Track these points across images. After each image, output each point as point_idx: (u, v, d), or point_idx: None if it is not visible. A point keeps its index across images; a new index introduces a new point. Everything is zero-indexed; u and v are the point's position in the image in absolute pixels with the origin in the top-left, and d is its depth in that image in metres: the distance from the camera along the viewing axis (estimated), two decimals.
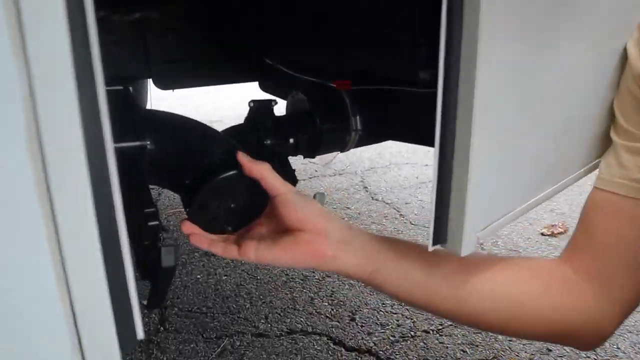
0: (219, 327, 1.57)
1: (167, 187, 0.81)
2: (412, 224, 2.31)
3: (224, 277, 1.85)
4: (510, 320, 0.70)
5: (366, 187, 2.74)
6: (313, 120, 0.97)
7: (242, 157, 0.72)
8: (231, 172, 0.75)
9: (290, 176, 0.88)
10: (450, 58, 0.55)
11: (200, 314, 1.63)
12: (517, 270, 0.71)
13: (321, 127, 0.96)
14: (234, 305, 1.68)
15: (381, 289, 0.70)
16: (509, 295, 0.69)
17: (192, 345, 1.48)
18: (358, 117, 0.99)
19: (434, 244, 0.65)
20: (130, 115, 0.79)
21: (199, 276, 1.85)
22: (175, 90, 1.57)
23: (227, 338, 1.52)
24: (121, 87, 0.81)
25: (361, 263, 0.66)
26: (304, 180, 2.77)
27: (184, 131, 0.82)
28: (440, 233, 0.66)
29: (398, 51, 0.82)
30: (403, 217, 2.38)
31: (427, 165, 3.07)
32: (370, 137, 1.03)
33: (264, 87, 1.59)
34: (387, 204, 2.53)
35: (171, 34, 1.40)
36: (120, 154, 0.77)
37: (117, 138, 0.73)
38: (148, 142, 0.76)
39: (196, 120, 0.84)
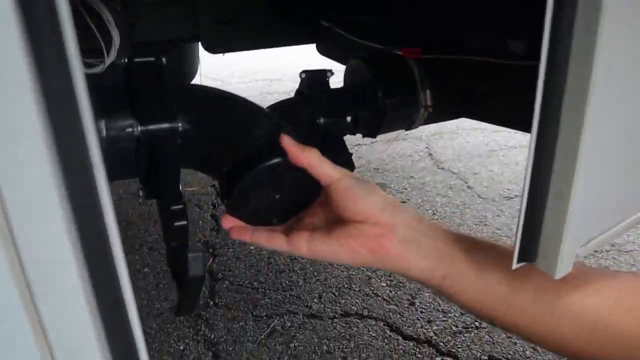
0: (270, 305, 1.49)
1: (204, 173, 0.71)
2: (481, 197, 2.14)
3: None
4: (617, 355, 0.56)
5: (431, 154, 2.57)
6: (375, 93, 0.82)
7: (287, 143, 0.61)
8: (275, 160, 0.63)
9: (346, 160, 0.76)
10: (561, 22, 0.39)
11: (252, 289, 1.57)
12: (632, 292, 0.56)
13: (385, 102, 0.82)
14: (287, 282, 1.60)
15: (452, 299, 0.60)
16: (619, 324, 0.54)
17: (241, 324, 1.42)
18: (428, 91, 0.84)
19: (519, 261, 0.52)
20: (161, 92, 0.68)
21: (252, 248, 1.77)
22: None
23: (277, 317, 1.44)
24: (152, 59, 0.70)
25: (431, 267, 0.57)
26: (364, 145, 2.63)
27: (224, 110, 0.70)
28: (529, 247, 0.52)
29: (482, 14, 0.65)
30: (471, 189, 2.21)
31: (498, 131, 2.84)
32: (442, 114, 0.88)
33: (321, 50, 1.45)
34: (453, 173, 2.36)
35: None
36: (147, 137, 0.67)
37: (144, 119, 0.62)
38: (180, 124, 0.66)
39: (238, 97, 0.72)
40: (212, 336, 1.37)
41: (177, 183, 0.61)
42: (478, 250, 0.59)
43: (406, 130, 0.89)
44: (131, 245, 1.79)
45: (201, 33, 1.31)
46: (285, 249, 0.63)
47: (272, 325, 1.41)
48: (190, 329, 1.40)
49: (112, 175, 0.72)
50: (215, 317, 1.44)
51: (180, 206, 0.58)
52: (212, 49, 1.34)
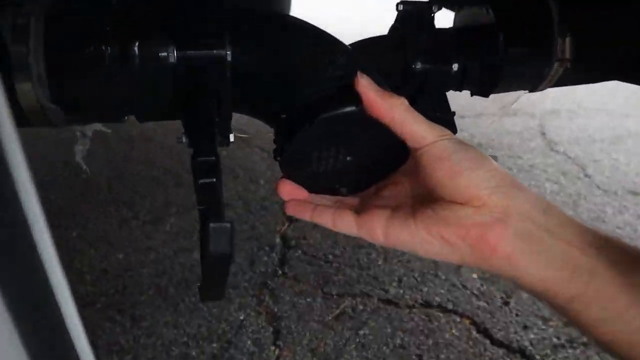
0: (343, 283, 1.34)
1: (257, 118, 0.56)
2: (600, 189, 1.83)
3: None
4: None
5: (544, 134, 2.26)
6: (494, 38, 0.62)
7: (365, 86, 0.44)
8: (347, 108, 0.47)
9: (446, 121, 0.57)
10: None
11: (325, 262, 1.42)
12: None
13: (506, 50, 0.61)
14: (365, 259, 1.44)
15: (583, 329, 0.43)
16: None
17: (308, 300, 1.28)
18: (568, 39, 0.61)
19: None
20: (208, 10, 0.52)
21: None
22: None
23: (349, 298, 1.29)
24: None
25: (555, 280, 0.41)
26: (468, 117, 2.37)
27: (288, 40, 0.54)
28: None
29: None
30: (589, 178, 1.90)
31: (628, 115, 2.45)
32: (586, 73, 0.66)
33: None
34: (569, 157, 2.05)
35: None
36: (186, 66, 0.53)
37: (184, 43, 0.47)
38: (229, 52, 0.50)
39: (309, 24, 0.55)
40: (276, 309, 1.25)
41: (211, 127, 0.46)
42: (634, 264, 0.39)
43: (531, 91, 0.68)
44: None
45: None
46: (355, 234, 0.48)
47: (342, 306, 1.26)
48: (253, 297, 1.29)
49: (148, 112, 0.59)
50: (281, 289, 1.32)
51: (211, 158, 0.43)
52: None
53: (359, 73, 0.44)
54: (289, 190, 0.52)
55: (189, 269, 1.37)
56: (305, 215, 0.51)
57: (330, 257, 1.44)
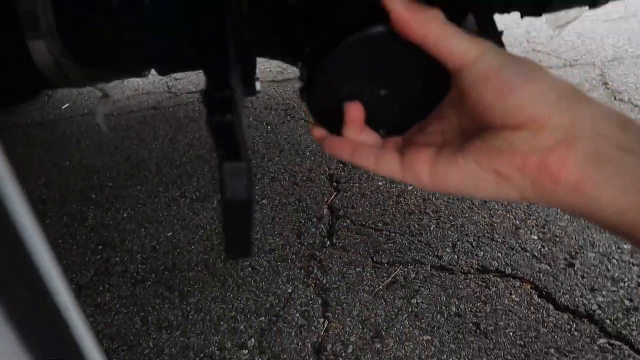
0: (394, 251, 1.29)
1: (275, 57, 0.51)
2: None
3: (410, 188, 1.54)
4: None
5: (607, 84, 2.10)
6: None
7: (391, 1, 0.38)
8: (375, 29, 0.42)
9: (494, 41, 0.50)
10: None
11: (375, 230, 1.37)
12: None
13: None
14: (417, 225, 1.37)
15: None
16: None
17: (358, 270, 1.24)
18: None
19: None
20: None
21: (380, 183, 1.57)
22: None
23: (401, 267, 1.23)
24: None
25: (637, 206, 0.33)
26: None
27: None
28: None
29: None
30: None
31: None
32: None
33: None
34: (635, 106, 1.90)
35: None
36: (198, 1, 0.48)
37: None
38: None
39: None
40: (325, 281, 1.21)
41: (225, 55, 0.41)
42: None
43: (591, 7, 0.59)
44: (253, 175, 1.69)
45: None
46: (399, 177, 0.42)
47: (393, 275, 1.21)
48: (302, 270, 1.25)
49: (168, 63, 0.55)
50: (330, 260, 1.28)
51: (225, 92, 0.39)
52: None
53: None
54: (322, 131, 0.47)
55: None
56: (345, 154, 0.45)
57: (380, 225, 1.39)
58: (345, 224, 1.40)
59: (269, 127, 1.96)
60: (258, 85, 0.53)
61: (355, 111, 0.43)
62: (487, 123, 0.37)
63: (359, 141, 0.45)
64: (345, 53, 0.41)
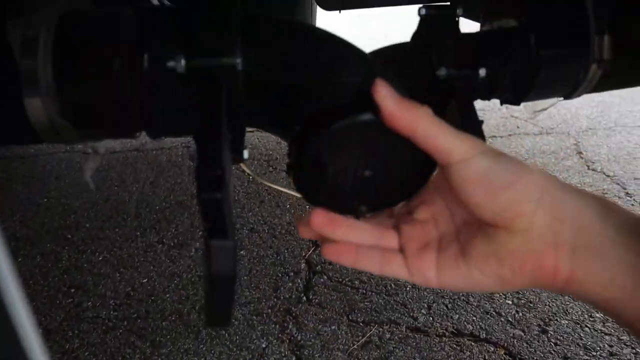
0: (370, 310, 1.29)
1: (269, 132, 0.53)
2: None
3: None
4: None
5: (581, 153, 2.17)
6: (525, 40, 0.58)
7: (383, 94, 0.40)
8: (364, 117, 0.43)
9: (473, 130, 0.52)
10: None
11: (352, 288, 1.37)
12: None
13: (538, 54, 0.57)
14: (393, 285, 1.38)
15: None
16: None
17: (333, 327, 1.23)
18: (606, 38, 0.57)
19: None
20: (221, 17, 0.50)
21: None
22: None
23: (376, 326, 1.23)
24: None
25: (620, 293, 0.36)
26: (499, 137, 2.30)
27: (303, 46, 0.51)
28: None
29: None
30: (630, 197, 1.81)
31: None
32: (626, 75, 0.61)
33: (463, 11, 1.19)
34: (607, 176, 1.96)
35: None
36: (196, 75, 0.50)
37: (193, 50, 0.45)
38: (240, 61, 0.47)
39: (326, 31, 0.52)
40: (299, 337, 1.20)
41: (217, 136, 0.42)
42: None
43: (566, 97, 0.63)
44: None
45: None
46: (407, 279, 0.43)
47: (368, 335, 1.20)
48: (276, 325, 1.24)
49: (160, 128, 0.57)
50: (306, 316, 1.27)
51: (216, 170, 0.40)
52: (326, 4, 1.15)
53: (377, 79, 0.40)
54: (324, 217, 0.43)
55: None
56: (347, 260, 0.43)
57: (357, 282, 1.39)
58: (322, 280, 1.40)
59: (250, 177, 1.97)
60: (246, 153, 0.55)
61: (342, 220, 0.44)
62: (476, 216, 0.39)
63: (355, 241, 0.43)
64: (334, 136, 0.43)
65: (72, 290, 1.38)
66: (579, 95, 0.62)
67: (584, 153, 2.17)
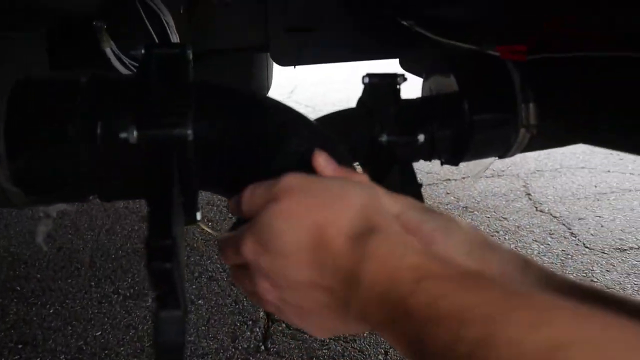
0: (328, 358, 1.29)
1: (221, 195, 0.55)
2: (587, 247, 1.82)
3: None
4: None
5: (529, 195, 2.27)
6: (460, 107, 0.62)
7: (321, 163, 0.43)
8: None
9: (413, 193, 0.56)
10: None
11: (310, 336, 1.37)
12: None
13: (472, 119, 0.62)
14: None
15: None
16: None
17: None
18: (532, 106, 0.62)
19: None
20: (174, 90, 0.52)
21: None
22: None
23: None
24: (175, 50, 0.55)
25: None
26: (453, 180, 2.38)
27: (251, 116, 0.53)
28: None
29: None
30: (575, 237, 1.89)
31: (609, 171, 2.48)
32: (551, 138, 0.66)
33: (405, 65, 1.26)
34: (554, 217, 2.05)
35: None
36: (148, 145, 0.52)
37: (145, 122, 0.46)
38: (190, 132, 0.50)
39: (274, 100, 0.55)
40: None
41: (166, 208, 0.44)
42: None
43: (500, 157, 0.68)
44: (190, 273, 1.67)
45: (271, 42, 1.17)
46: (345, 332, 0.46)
47: None
48: None
49: (112, 192, 0.58)
50: None
51: (165, 241, 0.42)
52: (281, 60, 1.20)
53: (316, 150, 0.43)
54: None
55: None
56: None
57: None
58: (280, 328, 1.40)
59: (210, 224, 1.97)
60: (199, 215, 0.56)
61: None
62: None
63: None
64: None
65: (20, 346, 1.34)
66: (512, 155, 0.67)
67: (533, 195, 2.27)
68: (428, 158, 0.63)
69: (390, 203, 0.42)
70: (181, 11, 1.11)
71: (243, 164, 0.51)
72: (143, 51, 0.54)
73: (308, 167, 0.45)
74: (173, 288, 0.41)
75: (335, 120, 0.61)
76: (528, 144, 0.64)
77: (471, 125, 0.61)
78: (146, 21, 1.07)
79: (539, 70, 0.62)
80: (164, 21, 1.08)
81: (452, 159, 0.65)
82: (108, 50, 1.10)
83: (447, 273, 0.30)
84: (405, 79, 0.62)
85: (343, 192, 0.37)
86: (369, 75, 0.62)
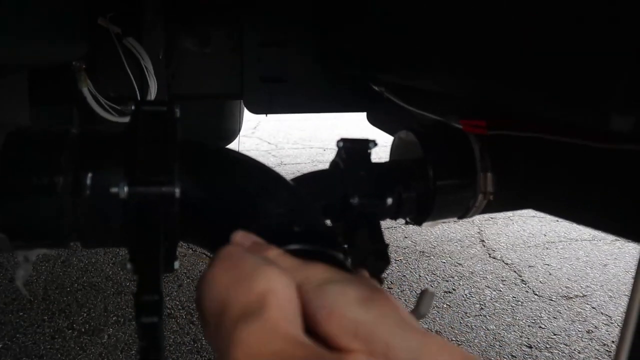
0: None
1: (200, 247, 0.58)
2: (536, 295, 1.91)
3: None
4: None
5: (483, 241, 2.36)
6: (425, 172, 0.68)
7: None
8: (295, 247, 0.48)
9: (380, 251, 0.61)
10: None
11: None
12: None
13: (436, 184, 0.68)
14: None
15: None
16: None
17: None
18: (490, 175, 0.69)
19: None
20: (162, 148, 0.56)
21: None
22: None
23: None
24: (163, 108, 0.58)
25: None
26: (405, 225, 2.45)
27: (234, 177, 0.57)
28: None
29: (573, 77, 0.50)
30: (525, 284, 1.98)
31: (557, 221, 2.62)
32: (505, 203, 0.73)
33: (372, 120, 1.33)
34: (506, 264, 2.14)
35: (271, 47, 1.20)
36: (136, 202, 0.55)
37: (135, 179, 0.49)
38: (177, 190, 0.53)
39: (257, 162, 0.59)
40: None
41: (157, 265, 0.47)
42: None
43: (459, 218, 0.73)
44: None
45: (245, 91, 1.22)
46: None
47: None
48: None
49: (95, 240, 0.60)
50: None
51: (154, 297, 0.44)
52: (254, 108, 1.25)
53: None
54: None
55: None
56: None
57: None
58: None
59: None
60: (176, 264, 0.59)
61: None
62: None
63: None
64: None
65: None
66: (470, 217, 0.73)
67: (486, 241, 2.36)
68: (394, 217, 0.68)
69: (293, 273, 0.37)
70: (160, 57, 1.15)
71: (223, 221, 0.55)
72: (133, 107, 0.58)
73: (297, 231, 0.49)
74: (159, 340, 0.43)
75: (311, 181, 0.66)
76: (485, 208, 0.70)
77: (435, 190, 0.67)
78: (126, 65, 1.10)
79: (498, 143, 0.68)
80: (143, 66, 1.12)
81: (416, 219, 0.70)
82: (85, 90, 1.12)
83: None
84: (376, 144, 0.67)
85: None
86: (343, 140, 0.67)
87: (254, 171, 0.58)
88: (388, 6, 0.82)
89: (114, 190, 0.53)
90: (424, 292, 0.49)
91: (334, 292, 0.33)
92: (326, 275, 0.35)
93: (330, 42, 1.09)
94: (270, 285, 0.33)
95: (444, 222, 2.49)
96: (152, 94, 1.17)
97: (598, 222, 0.60)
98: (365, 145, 0.66)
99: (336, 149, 0.67)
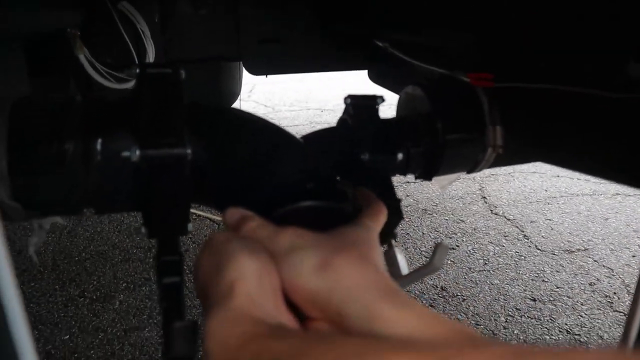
0: None
1: (217, 210, 0.58)
2: (538, 249, 1.93)
3: None
4: None
5: (485, 198, 2.38)
6: (433, 127, 0.68)
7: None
8: (305, 203, 0.49)
9: (393, 207, 0.61)
10: None
11: None
12: None
13: (444, 138, 0.67)
14: None
15: None
16: None
17: None
18: (498, 128, 0.68)
19: None
20: (170, 110, 0.55)
21: None
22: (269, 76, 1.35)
23: None
24: (168, 70, 0.58)
25: None
26: (413, 183, 2.47)
27: (244, 137, 0.57)
28: None
29: (583, 26, 0.50)
30: (527, 239, 2.00)
31: (558, 176, 2.63)
32: (515, 156, 0.73)
33: (373, 78, 1.32)
34: (508, 220, 2.16)
35: (267, 8, 1.18)
36: (148, 164, 0.55)
37: (146, 142, 0.49)
38: (189, 151, 0.53)
39: (266, 121, 0.59)
40: None
41: (174, 225, 0.47)
42: None
43: (469, 172, 0.74)
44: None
45: (243, 52, 1.21)
46: None
47: None
48: None
49: (108, 205, 0.61)
50: None
51: (175, 258, 0.45)
52: (254, 70, 1.23)
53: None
54: None
55: (139, 349, 1.33)
56: None
57: None
58: None
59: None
60: (190, 227, 0.60)
61: None
62: None
63: None
64: (279, 220, 0.49)
65: None
66: (479, 171, 0.73)
67: (488, 198, 2.38)
68: (403, 173, 0.68)
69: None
70: (156, 20, 1.13)
71: (234, 181, 0.55)
72: (137, 70, 0.57)
73: (310, 187, 0.49)
74: (181, 300, 0.44)
75: (320, 138, 0.66)
76: (494, 161, 0.70)
77: (444, 144, 0.67)
78: (122, 30, 1.08)
79: (505, 96, 0.68)
80: (139, 30, 1.10)
81: (426, 174, 0.70)
82: (82, 57, 1.10)
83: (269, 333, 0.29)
84: (383, 100, 0.67)
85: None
86: (350, 96, 0.66)
87: (264, 130, 0.57)
88: None
89: (126, 154, 0.53)
90: (438, 246, 0.49)
91: (294, 262, 0.34)
92: (290, 243, 0.36)
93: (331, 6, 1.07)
94: (238, 274, 0.33)
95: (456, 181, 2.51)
96: (150, 58, 1.15)
97: (603, 171, 0.60)
98: (373, 101, 0.66)
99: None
